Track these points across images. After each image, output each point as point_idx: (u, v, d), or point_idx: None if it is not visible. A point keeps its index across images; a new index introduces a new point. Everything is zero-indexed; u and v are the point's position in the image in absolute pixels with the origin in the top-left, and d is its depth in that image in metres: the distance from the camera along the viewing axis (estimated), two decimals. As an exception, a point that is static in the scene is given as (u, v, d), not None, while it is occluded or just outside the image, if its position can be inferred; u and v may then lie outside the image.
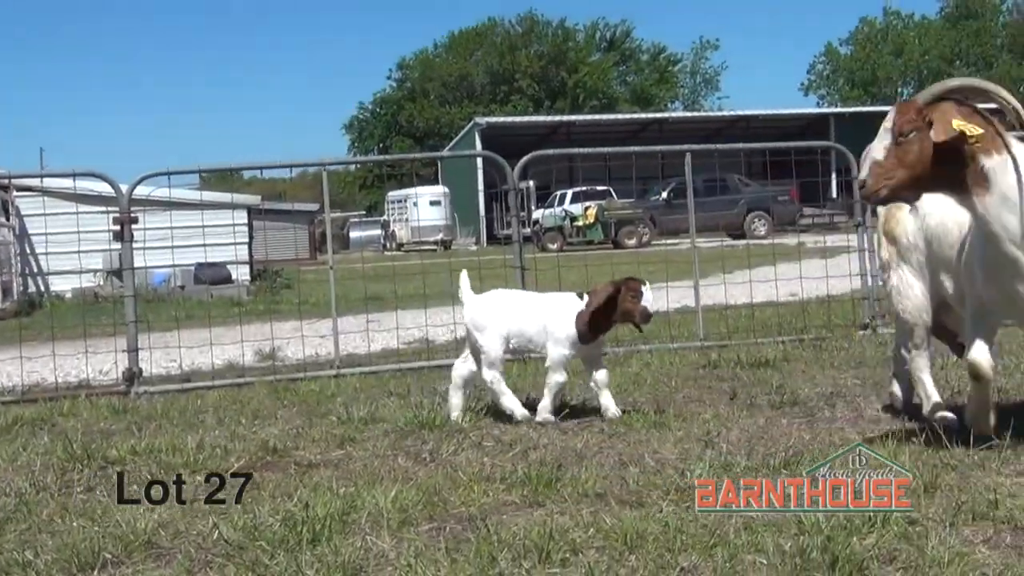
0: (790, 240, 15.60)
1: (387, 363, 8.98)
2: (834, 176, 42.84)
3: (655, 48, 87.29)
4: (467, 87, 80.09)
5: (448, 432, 5.87)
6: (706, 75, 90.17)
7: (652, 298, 5.98)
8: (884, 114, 4.73)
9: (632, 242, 35.73)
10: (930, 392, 5.52)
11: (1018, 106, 4.66)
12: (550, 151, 10.79)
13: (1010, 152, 4.62)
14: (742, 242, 27.05)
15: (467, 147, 54.01)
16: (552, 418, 6.03)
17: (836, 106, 74.82)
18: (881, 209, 5.68)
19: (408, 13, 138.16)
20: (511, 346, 6.23)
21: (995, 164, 4.61)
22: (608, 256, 17.29)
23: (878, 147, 4.69)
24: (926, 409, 5.49)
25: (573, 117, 61.87)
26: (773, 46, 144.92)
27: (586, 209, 38.30)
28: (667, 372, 7.53)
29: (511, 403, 6.12)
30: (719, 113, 71.60)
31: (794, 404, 6.25)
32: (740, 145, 24.39)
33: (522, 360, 7.61)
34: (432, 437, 5.77)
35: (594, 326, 6.02)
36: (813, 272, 11.52)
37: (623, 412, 6.04)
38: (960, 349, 5.63)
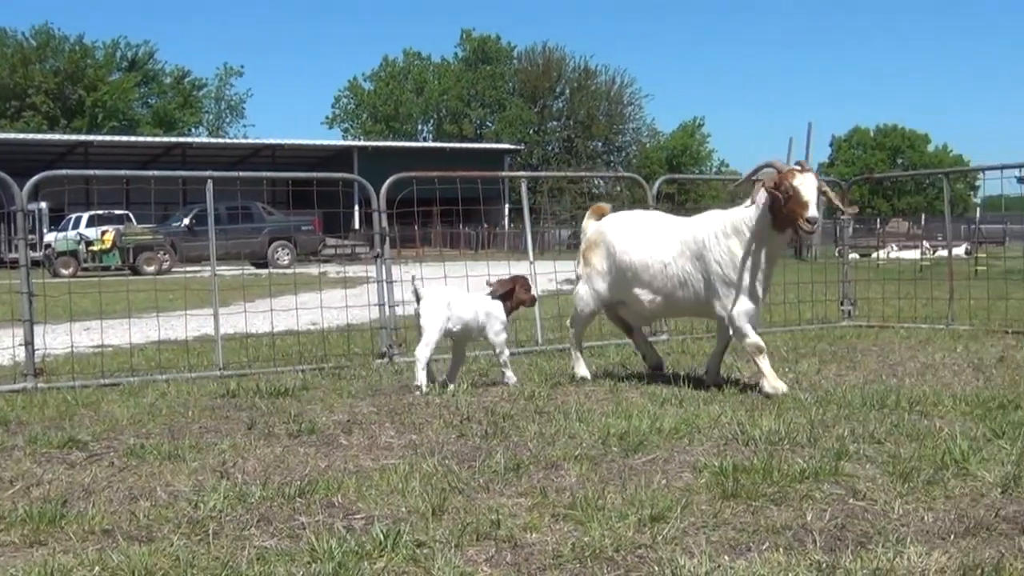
0: (312, 270, 15.78)
1: None
2: (357, 208, 44.10)
3: (179, 71, 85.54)
4: (-27, 100, 74.87)
5: (-61, 470, 5.41)
6: (231, 102, 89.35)
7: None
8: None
9: (152, 268, 34.79)
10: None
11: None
12: (64, 171, 10.29)
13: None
14: (265, 271, 27.11)
15: (-29, 163, 50.43)
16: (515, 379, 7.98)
17: (359, 140, 76.47)
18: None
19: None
20: (454, 331, 7.75)
21: None
22: (126, 283, 16.69)
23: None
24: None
25: (91, 137, 59.32)
26: (298, 77, 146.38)
27: (103, 233, 36.70)
28: (184, 402, 7.34)
29: (423, 378, 7.53)
30: (244, 141, 71.28)
31: (312, 432, 6.28)
32: (264, 174, 24.34)
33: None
34: (-80, 476, 5.30)
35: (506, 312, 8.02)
36: (334, 301, 11.71)
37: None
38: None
